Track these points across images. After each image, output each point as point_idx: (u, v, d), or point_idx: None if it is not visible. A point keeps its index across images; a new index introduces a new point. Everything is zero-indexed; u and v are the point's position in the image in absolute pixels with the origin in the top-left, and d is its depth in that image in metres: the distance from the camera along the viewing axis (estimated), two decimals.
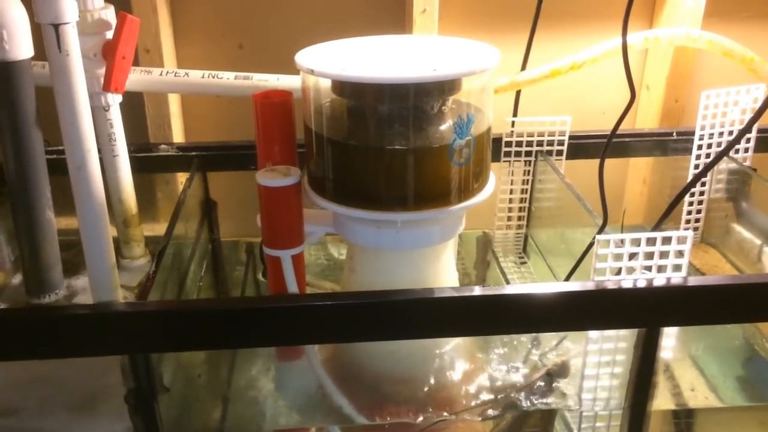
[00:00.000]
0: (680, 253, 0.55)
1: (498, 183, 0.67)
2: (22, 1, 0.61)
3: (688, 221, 0.89)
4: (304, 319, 0.54)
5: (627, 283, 0.55)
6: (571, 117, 0.84)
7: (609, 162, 0.65)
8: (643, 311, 0.56)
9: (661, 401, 0.66)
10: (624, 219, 0.84)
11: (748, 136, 0.85)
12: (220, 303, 0.64)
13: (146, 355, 0.56)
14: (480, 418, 0.67)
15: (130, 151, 0.74)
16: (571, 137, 0.85)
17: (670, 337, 0.75)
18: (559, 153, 0.86)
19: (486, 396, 0.66)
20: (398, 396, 0.66)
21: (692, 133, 0.84)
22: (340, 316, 0.54)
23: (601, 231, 0.65)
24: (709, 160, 0.77)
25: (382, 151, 0.57)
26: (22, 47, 0.62)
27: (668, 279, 0.55)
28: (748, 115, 0.81)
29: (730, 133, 0.83)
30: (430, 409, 0.65)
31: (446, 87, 0.57)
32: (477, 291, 0.54)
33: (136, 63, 0.73)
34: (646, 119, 1.05)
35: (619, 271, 0.55)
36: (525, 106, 0.87)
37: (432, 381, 0.67)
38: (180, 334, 0.54)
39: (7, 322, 0.52)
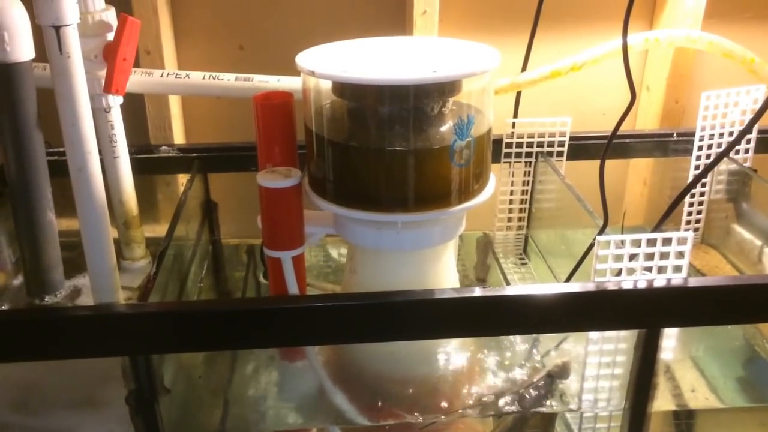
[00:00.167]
0: (680, 254, 0.55)
1: (498, 184, 0.67)
2: (23, 2, 0.61)
3: (688, 222, 0.89)
4: (304, 320, 0.54)
5: (627, 284, 0.55)
6: (571, 118, 0.85)
7: (609, 163, 0.65)
8: (643, 312, 0.56)
9: (662, 402, 0.66)
10: (624, 220, 0.84)
11: (748, 137, 0.85)
12: (221, 304, 0.64)
13: (147, 357, 0.56)
14: (481, 419, 0.67)
15: (130, 153, 0.74)
16: (571, 138, 0.85)
17: (670, 338, 0.75)
18: (560, 154, 0.86)
19: (486, 397, 0.66)
20: (399, 396, 0.66)
21: (692, 134, 0.84)
22: (341, 317, 0.54)
23: (601, 232, 0.65)
24: (709, 161, 0.77)
25: (382, 153, 0.57)
26: (23, 49, 0.62)
27: (668, 280, 0.55)
28: (749, 116, 0.81)
29: (731, 134, 0.83)
30: (431, 410, 0.65)
31: (446, 88, 0.57)
32: (477, 292, 0.54)
33: (136, 65, 0.73)
34: (646, 120, 1.05)
35: (619, 272, 0.55)
36: (525, 107, 0.87)
37: (432, 382, 0.67)
38: (181, 335, 0.54)
39: (9, 323, 0.52)
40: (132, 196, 0.75)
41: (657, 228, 0.59)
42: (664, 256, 0.55)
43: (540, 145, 0.86)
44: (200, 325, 0.54)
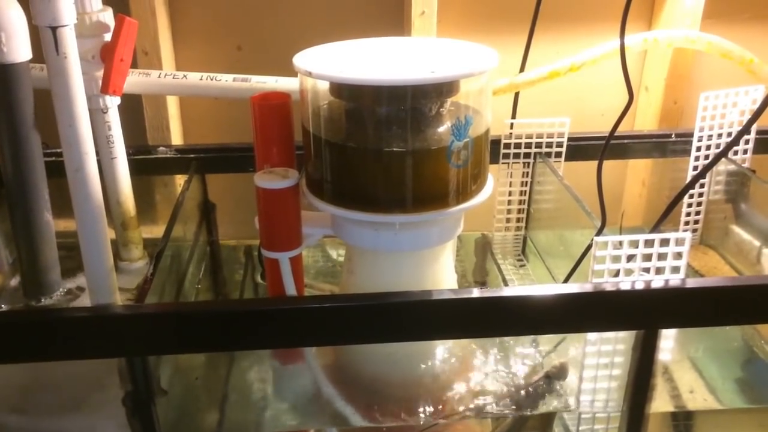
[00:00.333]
0: (678, 255, 0.55)
1: (497, 185, 0.67)
2: (20, 3, 0.61)
3: (687, 223, 0.89)
4: (302, 321, 0.54)
5: (625, 284, 0.55)
6: (569, 118, 0.84)
7: (608, 163, 0.65)
8: (641, 313, 0.56)
9: (660, 403, 0.66)
10: (623, 220, 0.84)
11: (746, 137, 0.85)
12: (219, 305, 0.64)
13: (144, 358, 0.56)
14: (479, 420, 0.67)
15: (128, 154, 0.74)
16: (569, 139, 0.85)
17: (668, 339, 0.75)
18: (558, 155, 0.86)
19: (485, 398, 0.66)
20: (397, 398, 0.66)
21: (691, 135, 0.84)
22: (339, 318, 0.53)
23: (599, 233, 0.65)
24: (707, 162, 0.77)
25: (380, 153, 0.57)
26: (20, 50, 0.62)
27: (666, 281, 0.55)
28: (747, 117, 0.81)
29: (729, 134, 0.83)
30: (429, 411, 0.65)
31: (444, 89, 0.57)
32: (476, 293, 0.54)
33: (134, 65, 0.73)
34: (644, 121, 1.05)
35: (617, 273, 0.55)
36: (524, 108, 0.87)
37: (430, 383, 0.67)
38: (178, 336, 0.54)
39: (5, 324, 0.52)
40: (129, 197, 0.75)
41: (655, 229, 0.59)
42: (662, 256, 0.55)
43: (538, 145, 0.86)
44: (197, 326, 0.53)
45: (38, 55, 0.58)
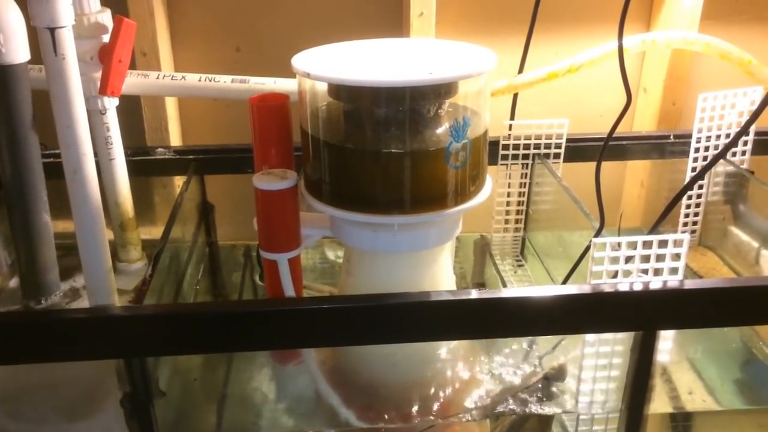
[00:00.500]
0: (677, 256, 0.55)
1: (495, 186, 0.67)
2: (18, 4, 0.61)
3: (685, 224, 0.89)
4: (301, 322, 0.54)
5: (623, 286, 0.55)
6: (568, 120, 0.84)
7: (606, 165, 0.65)
8: (639, 314, 0.56)
9: (659, 404, 0.66)
10: (621, 222, 0.84)
11: (745, 138, 0.85)
12: (217, 306, 0.64)
13: (142, 359, 0.56)
14: (477, 422, 0.67)
15: (126, 155, 0.74)
16: (568, 140, 0.85)
17: (667, 340, 0.75)
18: (557, 156, 0.86)
19: (483, 399, 0.66)
20: (395, 400, 0.66)
21: (689, 136, 0.84)
22: (338, 319, 0.53)
23: (598, 234, 0.65)
24: (706, 163, 0.77)
25: (378, 155, 0.57)
26: (19, 51, 0.62)
27: (665, 282, 0.55)
28: (746, 118, 0.81)
29: (728, 135, 0.83)
30: (427, 413, 0.65)
31: (442, 90, 0.57)
32: (474, 294, 0.54)
33: (132, 66, 0.73)
34: (643, 122, 1.05)
35: (615, 274, 0.55)
36: (522, 109, 0.87)
37: (429, 384, 0.67)
38: (176, 337, 0.54)
39: (4, 325, 0.52)
40: (128, 198, 0.75)
41: (653, 230, 0.59)
42: (660, 258, 0.55)
43: (537, 146, 0.86)
44: (196, 327, 0.53)
45: (36, 56, 0.58)
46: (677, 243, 0.55)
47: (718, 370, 0.74)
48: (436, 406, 0.65)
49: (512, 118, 0.87)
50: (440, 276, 0.66)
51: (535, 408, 0.65)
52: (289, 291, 0.61)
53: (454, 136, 0.56)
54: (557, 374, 0.66)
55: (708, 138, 0.84)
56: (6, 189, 0.66)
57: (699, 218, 0.89)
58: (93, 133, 0.59)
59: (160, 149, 0.85)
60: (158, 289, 0.64)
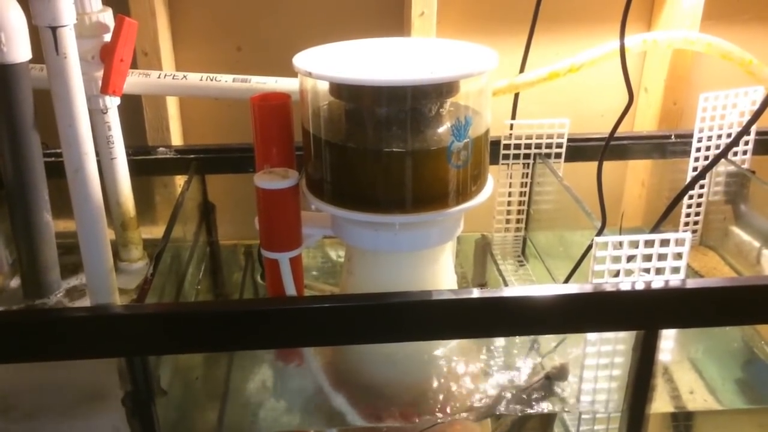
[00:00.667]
0: (678, 255, 0.55)
1: (496, 185, 0.67)
2: (20, 3, 0.61)
3: (686, 224, 0.89)
4: (302, 321, 0.54)
5: (625, 285, 0.55)
6: (569, 119, 0.85)
7: (607, 164, 0.65)
8: (641, 313, 0.56)
9: (660, 404, 0.66)
10: (622, 221, 0.84)
11: (746, 138, 0.85)
12: (218, 305, 0.64)
13: (144, 358, 0.56)
14: (479, 421, 0.67)
15: (128, 154, 0.74)
16: (569, 140, 0.85)
17: (668, 340, 0.75)
18: (558, 155, 0.86)
19: (485, 399, 0.66)
20: (396, 399, 0.66)
21: (690, 136, 0.84)
22: (339, 318, 0.53)
23: (599, 233, 0.65)
24: (707, 163, 0.77)
25: (380, 154, 0.57)
26: (20, 50, 0.62)
27: (666, 281, 0.55)
28: (747, 118, 0.81)
29: (729, 135, 0.83)
30: (429, 412, 0.65)
31: (444, 89, 0.57)
32: (475, 293, 0.54)
33: (134, 66, 0.73)
34: (644, 122, 1.05)
35: (617, 274, 0.55)
36: (523, 109, 0.87)
37: (430, 384, 0.67)
38: (178, 336, 0.54)
39: (5, 324, 0.52)
40: (129, 198, 0.75)
41: (655, 229, 0.59)
42: (662, 257, 0.55)
43: (538, 146, 0.86)
44: (197, 326, 0.53)
45: (38, 55, 0.58)
46: (679, 242, 0.55)
47: (719, 369, 0.74)
48: (437, 406, 0.65)
49: (513, 117, 0.87)
50: (441, 275, 0.66)
51: (536, 407, 0.65)
52: (291, 290, 0.61)
53: (456, 136, 0.56)
54: (559, 373, 0.66)
55: (709, 138, 0.84)
56: (7, 188, 0.66)
57: (700, 218, 0.89)
58: (94, 133, 0.59)
59: (161, 148, 0.85)
60: (159, 289, 0.64)
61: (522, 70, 0.86)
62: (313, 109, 0.60)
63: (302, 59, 0.58)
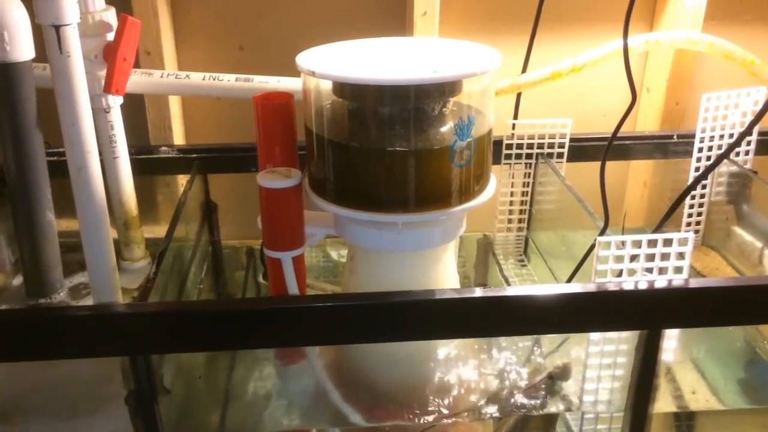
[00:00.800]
0: (681, 255, 0.55)
1: (499, 185, 0.67)
2: (23, 2, 0.61)
3: (688, 224, 0.89)
4: (304, 320, 0.54)
5: (628, 285, 0.55)
6: (571, 119, 0.84)
7: (610, 164, 0.65)
8: (644, 313, 0.56)
9: (663, 404, 0.66)
10: (625, 221, 0.84)
11: (748, 138, 0.85)
12: (221, 304, 0.64)
13: (147, 357, 0.56)
14: (481, 421, 0.67)
15: (130, 153, 0.74)
16: (571, 140, 0.85)
17: (671, 340, 0.75)
18: (560, 155, 0.86)
19: (487, 398, 0.66)
20: (399, 398, 0.66)
21: (693, 136, 0.84)
22: (341, 317, 0.53)
23: (602, 233, 0.65)
24: (709, 163, 0.77)
25: (382, 153, 0.57)
26: (23, 49, 0.62)
27: (669, 281, 0.55)
28: (749, 118, 0.81)
29: (731, 135, 0.83)
30: (431, 412, 0.65)
31: (447, 89, 0.57)
32: (478, 293, 0.54)
33: (136, 65, 0.73)
34: (646, 122, 1.05)
35: (620, 273, 0.55)
36: (526, 109, 0.87)
37: (432, 383, 0.67)
38: (180, 335, 0.54)
39: (7, 323, 0.52)
40: (132, 197, 0.75)
41: (657, 229, 0.59)
42: (664, 257, 0.55)
43: (540, 146, 0.86)
44: (200, 325, 0.53)
45: (41, 54, 0.58)
46: (682, 242, 0.55)
47: (721, 369, 0.74)
48: (439, 405, 0.65)
49: (515, 117, 0.87)
50: (444, 275, 0.66)
51: (539, 407, 0.65)
52: (293, 289, 0.61)
53: (459, 135, 0.56)
54: (562, 373, 0.66)
55: (711, 138, 0.83)
56: (10, 187, 0.66)
57: (702, 218, 0.89)
58: (97, 132, 0.59)
59: (163, 148, 0.85)
60: (162, 288, 0.64)
61: (524, 69, 0.86)
62: (316, 108, 0.60)
63: (305, 58, 0.58)
